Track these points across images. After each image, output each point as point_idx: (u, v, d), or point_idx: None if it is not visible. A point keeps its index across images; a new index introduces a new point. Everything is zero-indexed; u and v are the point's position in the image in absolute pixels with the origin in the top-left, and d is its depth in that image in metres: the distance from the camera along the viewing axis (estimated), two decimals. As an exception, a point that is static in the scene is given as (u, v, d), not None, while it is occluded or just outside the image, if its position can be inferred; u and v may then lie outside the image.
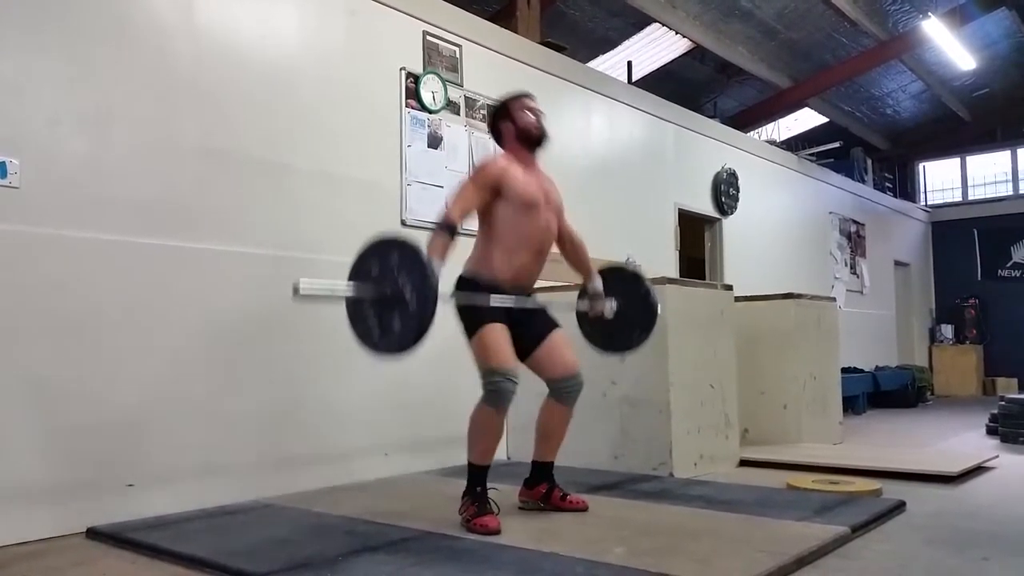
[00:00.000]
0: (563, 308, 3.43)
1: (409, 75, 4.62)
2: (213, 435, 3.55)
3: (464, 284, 3.09)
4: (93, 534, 3.03)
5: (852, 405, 7.99)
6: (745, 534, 2.82)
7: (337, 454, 4.04)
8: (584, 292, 3.47)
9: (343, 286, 2.68)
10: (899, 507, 3.30)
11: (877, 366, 9.76)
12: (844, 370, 7.20)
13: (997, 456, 4.73)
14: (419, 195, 4.59)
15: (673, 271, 6.66)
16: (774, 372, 5.37)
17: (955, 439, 6.00)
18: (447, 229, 2.90)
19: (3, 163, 3.01)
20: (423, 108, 4.68)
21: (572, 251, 3.43)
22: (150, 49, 3.49)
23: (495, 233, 3.11)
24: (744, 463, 4.60)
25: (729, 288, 4.84)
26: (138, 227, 3.38)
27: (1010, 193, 12.16)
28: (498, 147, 3.32)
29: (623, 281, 3.49)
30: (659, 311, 3.43)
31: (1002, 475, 4.28)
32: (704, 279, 7.24)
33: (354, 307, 2.71)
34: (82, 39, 3.28)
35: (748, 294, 5.51)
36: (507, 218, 3.08)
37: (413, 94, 4.64)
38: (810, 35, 8.89)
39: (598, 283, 3.41)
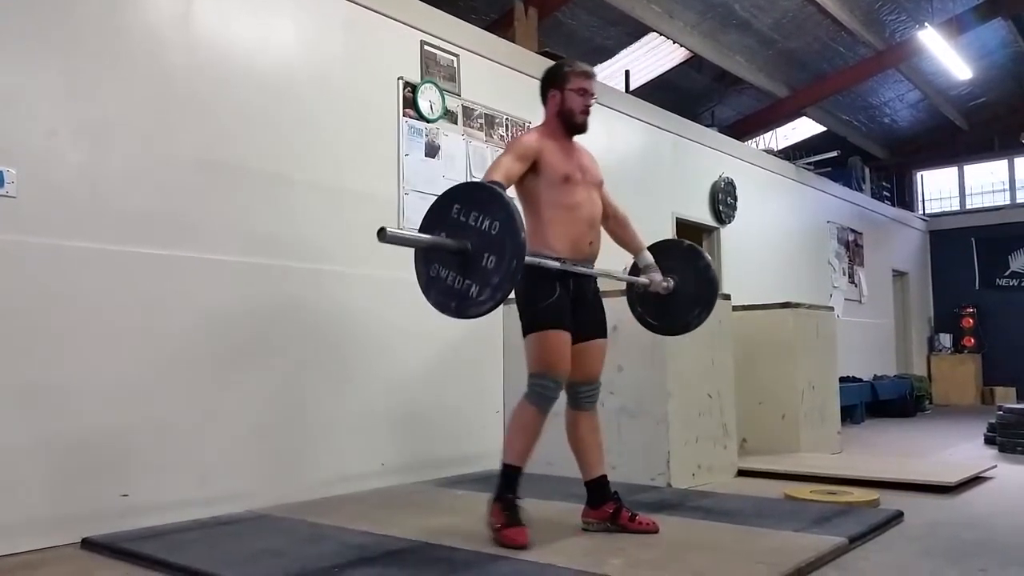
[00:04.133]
0: (617, 283, 3.32)
1: (407, 84, 4.63)
2: (209, 445, 3.54)
3: (530, 269, 2.90)
4: (88, 544, 3.01)
5: (850, 414, 7.99)
6: (743, 545, 2.81)
7: (333, 464, 4.03)
8: (636, 269, 3.37)
9: (428, 237, 2.53)
10: (897, 517, 3.29)
11: (875, 375, 9.75)
12: (842, 379, 7.19)
13: (995, 466, 4.72)
14: (416, 204, 4.59)
15: (671, 280, 6.65)
16: (772, 382, 5.36)
17: (953, 449, 5.99)
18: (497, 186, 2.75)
19: (0, 173, 3.01)
20: (421, 117, 4.68)
21: (616, 226, 3.33)
22: (147, 60, 3.49)
23: (539, 211, 3.01)
24: (742, 473, 4.59)
25: (727, 297, 4.84)
26: (135, 237, 3.37)
27: (1007, 202, 12.18)
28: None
29: (678, 256, 3.36)
30: (719, 286, 3.30)
31: (1000, 485, 4.27)
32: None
33: (429, 263, 2.58)
34: (80, 50, 3.28)
35: (746, 303, 5.51)
36: (548, 194, 3.00)
37: (411, 103, 4.64)
38: (807, 44, 8.91)
39: (648, 257, 3.32)
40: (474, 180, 2.52)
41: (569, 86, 3.11)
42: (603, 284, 4.18)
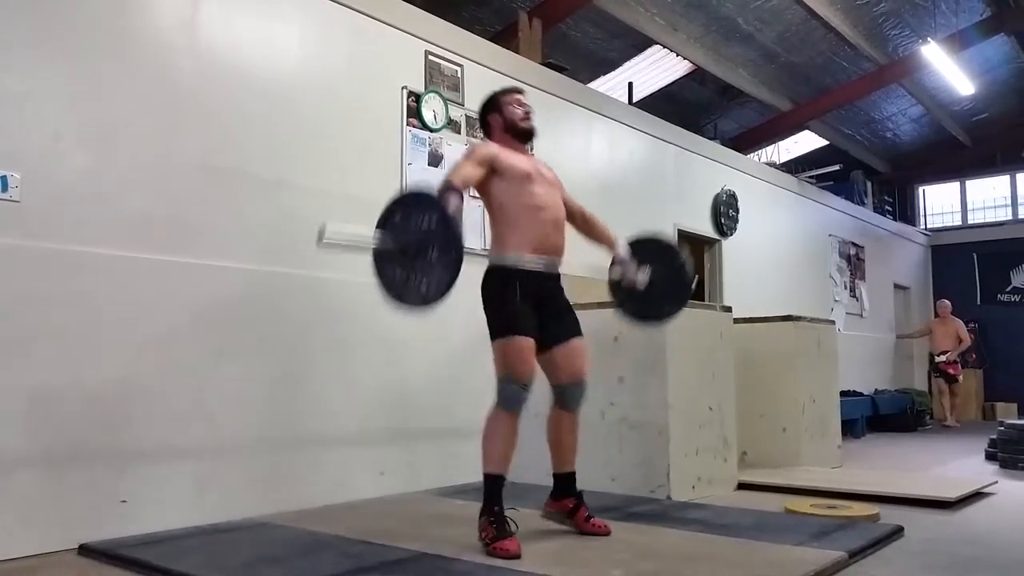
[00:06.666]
0: (595, 274, 3.44)
1: (411, 94, 4.65)
2: (208, 452, 3.53)
3: (495, 274, 3.11)
4: (85, 550, 3.00)
5: (851, 429, 7.97)
6: (742, 559, 2.80)
7: (332, 472, 4.02)
8: (614, 261, 3.47)
9: (368, 236, 2.74)
10: (897, 532, 3.28)
11: (876, 389, 9.73)
12: (843, 393, 7.17)
13: (996, 482, 4.71)
14: (419, 213, 4.59)
15: (672, 292, 6.64)
16: (773, 395, 5.35)
17: (954, 464, 5.97)
18: (452, 190, 2.86)
19: (4, 177, 3.02)
20: (424, 127, 4.70)
21: (584, 224, 3.46)
22: (153, 65, 3.51)
23: (504, 214, 3.14)
24: (742, 486, 4.58)
25: (728, 310, 4.84)
26: (138, 242, 3.38)
27: (1009, 218, 12.20)
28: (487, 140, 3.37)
29: (658, 251, 3.48)
30: (693, 284, 3.46)
31: (1001, 501, 4.25)
32: (703, 300, 7.23)
33: (380, 260, 2.77)
34: (85, 55, 3.30)
35: (747, 316, 5.51)
36: (509, 196, 3.12)
37: (414, 113, 4.66)
38: (811, 58, 8.95)
39: (623, 249, 3.40)
40: (440, 199, 2.76)
41: (503, 103, 3.30)
42: (607, 295, 4.16)
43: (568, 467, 3.25)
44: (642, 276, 3.35)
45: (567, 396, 3.22)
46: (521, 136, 3.29)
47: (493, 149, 3.18)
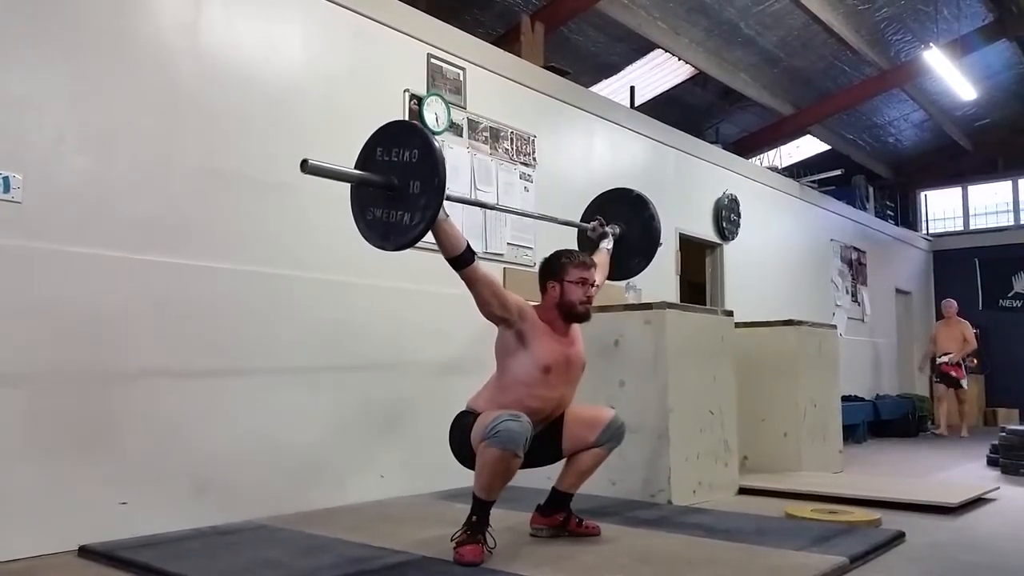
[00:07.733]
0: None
1: (413, 97, 4.65)
2: (208, 454, 3.52)
3: (467, 417, 2.97)
4: (85, 552, 3.00)
5: (852, 434, 7.95)
6: (743, 564, 2.80)
7: (332, 475, 4.01)
8: (591, 242, 3.62)
9: (351, 170, 2.77)
10: (898, 538, 3.27)
11: (878, 395, 9.71)
12: (844, 398, 7.16)
13: (998, 488, 4.69)
14: (420, 216, 4.59)
15: (673, 296, 6.65)
16: (774, 399, 5.34)
17: (955, 470, 5.96)
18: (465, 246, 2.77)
19: (7, 178, 3.02)
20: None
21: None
22: (154, 67, 3.51)
23: (509, 384, 2.97)
24: (743, 491, 4.56)
25: (730, 314, 4.83)
26: (139, 243, 3.38)
27: (1011, 223, 12.19)
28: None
29: (627, 204, 3.56)
30: (661, 239, 3.58)
31: (1003, 507, 4.24)
32: (705, 304, 7.23)
33: (361, 199, 2.81)
34: (87, 57, 3.30)
35: (749, 320, 5.50)
36: (523, 374, 2.94)
37: (416, 115, 4.65)
38: (812, 63, 8.95)
39: (608, 243, 3.60)
40: (430, 142, 2.69)
41: (568, 277, 3.03)
42: (606, 299, 4.17)
43: (574, 490, 3.20)
44: (611, 230, 3.56)
45: (610, 440, 3.13)
46: (574, 320, 3.07)
47: (529, 317, 2.96)
